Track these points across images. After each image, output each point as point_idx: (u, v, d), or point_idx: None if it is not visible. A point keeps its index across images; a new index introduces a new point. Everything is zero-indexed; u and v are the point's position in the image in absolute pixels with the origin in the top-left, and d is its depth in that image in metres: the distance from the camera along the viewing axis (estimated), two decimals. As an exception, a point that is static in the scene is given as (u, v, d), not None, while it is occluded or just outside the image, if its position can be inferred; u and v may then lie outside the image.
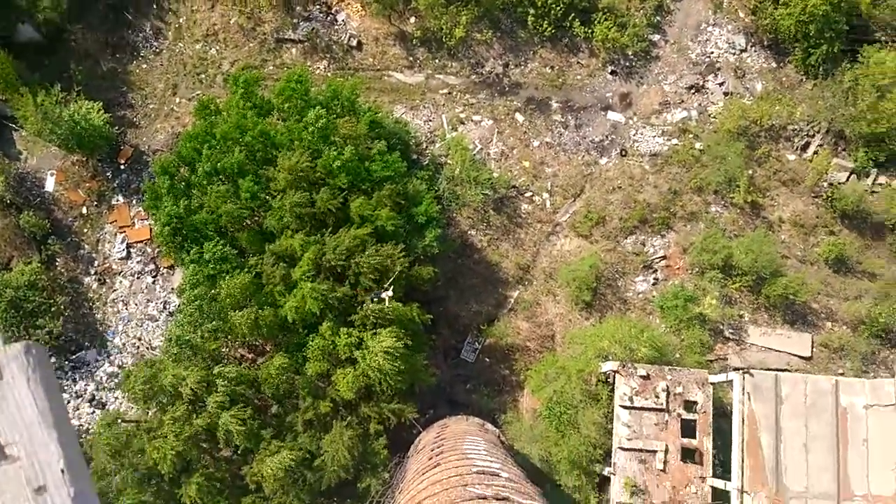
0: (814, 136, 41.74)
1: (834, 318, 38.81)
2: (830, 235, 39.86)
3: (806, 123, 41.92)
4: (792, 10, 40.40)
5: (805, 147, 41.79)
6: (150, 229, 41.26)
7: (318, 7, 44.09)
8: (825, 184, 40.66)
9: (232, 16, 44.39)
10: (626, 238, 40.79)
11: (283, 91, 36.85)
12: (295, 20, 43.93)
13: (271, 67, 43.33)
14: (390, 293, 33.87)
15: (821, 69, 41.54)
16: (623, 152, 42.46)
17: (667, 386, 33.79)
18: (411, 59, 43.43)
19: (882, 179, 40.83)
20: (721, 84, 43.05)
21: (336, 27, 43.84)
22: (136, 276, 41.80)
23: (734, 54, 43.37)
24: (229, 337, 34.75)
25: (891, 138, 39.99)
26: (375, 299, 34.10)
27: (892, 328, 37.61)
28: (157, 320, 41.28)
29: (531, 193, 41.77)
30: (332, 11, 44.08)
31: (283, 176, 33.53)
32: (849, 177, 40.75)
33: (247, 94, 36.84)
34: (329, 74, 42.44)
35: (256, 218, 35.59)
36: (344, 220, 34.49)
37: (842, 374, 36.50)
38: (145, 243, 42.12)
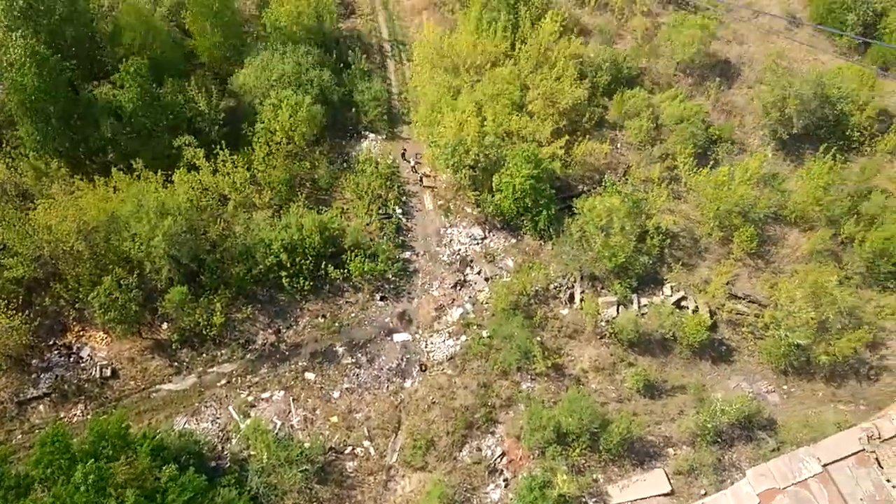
0: (573, 286, 44.85)
1: (672, 443, 39.51)
2: (630, 367, 41.65)
3: (562, 278, 45.08)
4: (506, 194, 44.68)
5: (571, 298, 44.60)
6: None
7: (56, 352, 39.99)
8: (603, 323, 43.18)
9: (-44, 404, 38.47)
10: (460, 452, 39.04)
11: (40, 459, 32.16)
12: (33, 375, 39.24)
13: (20, 436, 37.55)
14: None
15: (551, 230, 45.69)
16: (423, 367, 41.96)
17: (563, 592, 31.03)
18: (176, 364, 40.35)
19: (644, 300, 44.44)
20: (479, 273, 45.35)
21: (83, 364, 39.78)
22: None
23: (478, 244, 46.40)
24: None
25: (632, 265, 44.18)
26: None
27: (721, 428, 39.04)
28: None
29: (351, 447, 39.00)
30: (74, 350, 40.17)
31: (59, 566, 27.65)
32: (618, 309, 43.78)
33: (-5, 482, 31.12)
34: (89, 417, 37.67)
35: None
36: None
37: (705, 494, 36.55)
38: None
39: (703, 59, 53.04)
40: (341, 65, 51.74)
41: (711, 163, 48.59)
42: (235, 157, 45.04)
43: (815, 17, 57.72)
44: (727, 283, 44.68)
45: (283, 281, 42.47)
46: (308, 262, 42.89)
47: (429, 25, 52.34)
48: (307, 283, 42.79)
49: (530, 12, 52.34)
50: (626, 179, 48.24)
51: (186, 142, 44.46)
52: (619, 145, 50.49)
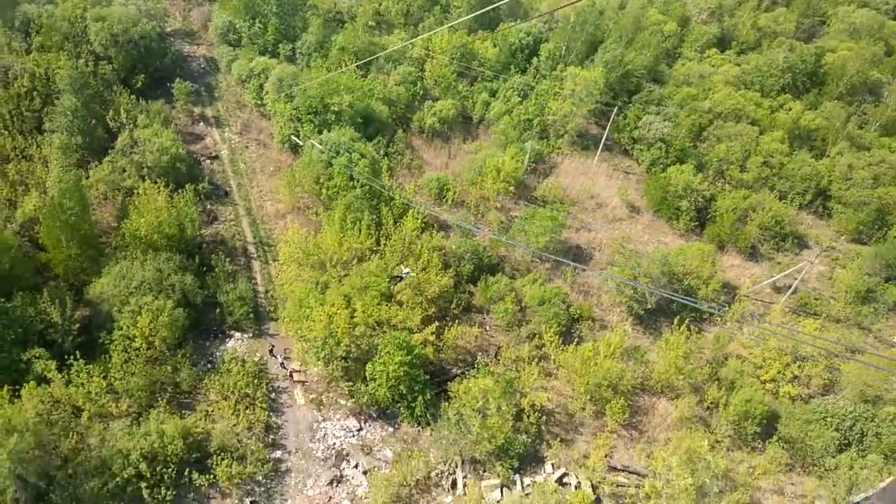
0: (455, 472, 49.75)
1: None
2: (518, 550, 45.89)
3: (443, 464, 50.00)
4: (380, 382, 50.55)
5: (454, 485, 49.26)
6: None
7: None
8: (488, 508, 47.80)
9: None
10: None
11: None
12: None
13: None
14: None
15: (428, 416, 51.38)
16: (300, 576, 43.97)
17: None
18: None
19: (527, 480, 49.82)
20: (356, 466, 49.47)
21: None
22: None
23: (354, 436, 51.00)
24: None
25: (511, 445, 50.05)
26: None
27: None
28: None
29: None
30: None
31: None
32: (501, 492, 48.73)
33: None
34: None
35: None
36: None
37: None
38: None
39: (557, 245, 64.19)
40: (204, 268, 58.21)
41: (576, 340, 57.40)
42: (91, 366, 48.66)
43: (652, 205, 71.97)
44: (605, 456, 51.21)
45: (143, 493, 44.54)
46: (170, 469, 45.51)
47: (293, 227, 60.79)
48: (170, 493, 45.02)
49: (392, 212, 62.35)
50: (498, 360, 55.75)
51: (37, 354, 47.92)
52: (487, 328, 58.68)
